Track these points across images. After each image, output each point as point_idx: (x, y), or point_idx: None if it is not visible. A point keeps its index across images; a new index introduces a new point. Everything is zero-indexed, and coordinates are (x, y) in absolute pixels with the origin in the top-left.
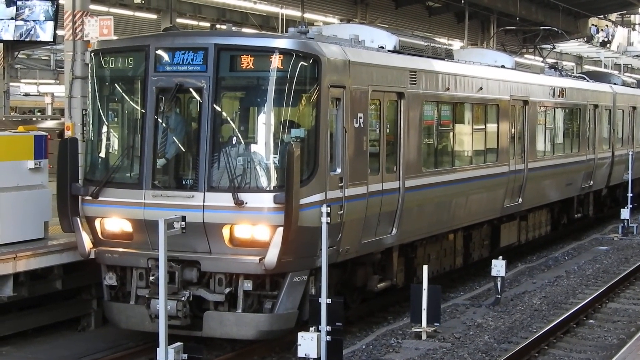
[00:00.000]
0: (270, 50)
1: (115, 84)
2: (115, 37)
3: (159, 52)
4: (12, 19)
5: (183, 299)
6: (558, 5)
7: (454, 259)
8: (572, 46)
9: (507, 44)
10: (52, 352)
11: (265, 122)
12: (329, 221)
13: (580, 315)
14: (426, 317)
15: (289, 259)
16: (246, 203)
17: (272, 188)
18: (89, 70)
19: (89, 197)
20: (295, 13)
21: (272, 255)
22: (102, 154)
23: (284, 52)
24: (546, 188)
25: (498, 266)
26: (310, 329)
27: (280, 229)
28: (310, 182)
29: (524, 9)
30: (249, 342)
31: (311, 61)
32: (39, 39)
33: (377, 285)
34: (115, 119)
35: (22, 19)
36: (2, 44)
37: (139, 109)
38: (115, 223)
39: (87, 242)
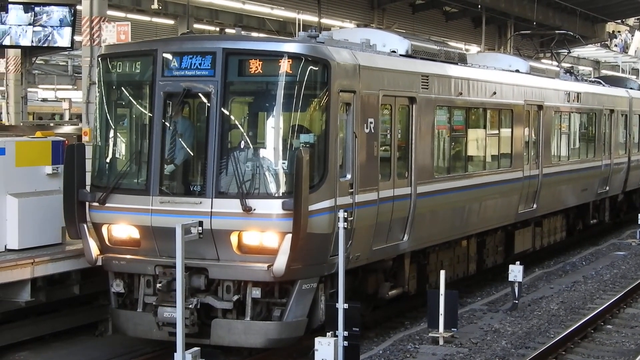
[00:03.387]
0: (279, 55)
1: (123, 89)
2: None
3: (167, 56)
4: (29, 24)
5: (190, 306)
6: (575, 10)
7: (467, 266)
8: (589, 51)
9: (524, 49)
10: (69, 357)
11: (274, 127)
12: (346, 226)
13: (598, 320)
14: (443, 323)
15: (298, 266)
16: (254, 209)
17: (280, 194)
18: (97, 75)
19: (96, 204)
20: (312, 18)
21: (281, 263)
22: (110, 160)
23: (293, 57)
24: (561, 194)
25: (515, 271)
26: (327, 334)
27: (289, 236)
28: (320, 188)
29: (541, 14)
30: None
31: (321, 66)
32: (56, 45)
33: (388, 293)
34: (123, 124)
35: (40, 25)
36: (19, 50)
37: (146, 114)
38: (123, 229)
39: (94, 248)
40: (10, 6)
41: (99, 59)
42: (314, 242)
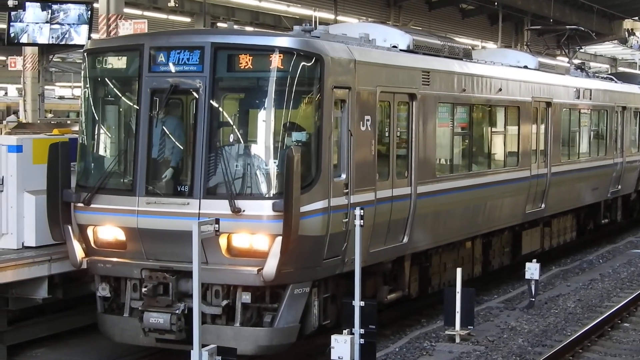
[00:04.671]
0: (270, 49)
1: (109, 85)
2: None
3: (154, 51)
4: (47, 22)
5: (177, 312)
6: (592, 7)
7: (472, 267)
8: (606, 48)
9: (539, 46)
10: (86, 355)
11: (264, 125)
12: (362, 224)
13: (615, 318)
14: (460, 320)
15: (290, 270)
16: (244, 211)
17: (271, 195)
18: (82, 71)
19: (81, 204)
20: (328, 16)
21: (271, 266)
22: (95, 159)
23: (285, 51)
24: (571, 193)
25: (532, 269)
26: (344, 331)
27: (280, 239)
28: (312, 188)
29: (558, 11)
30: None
31: (313, 60)
32: (73, 42)
33: (387, 297)
34: (108, 122)
35: (57, 23)
36: (37, 48)
37: (132, 111)
38: (108, 231)
39: (78, 251)
40: (27, 4)
41: (85, 53)
42: (306, 245)
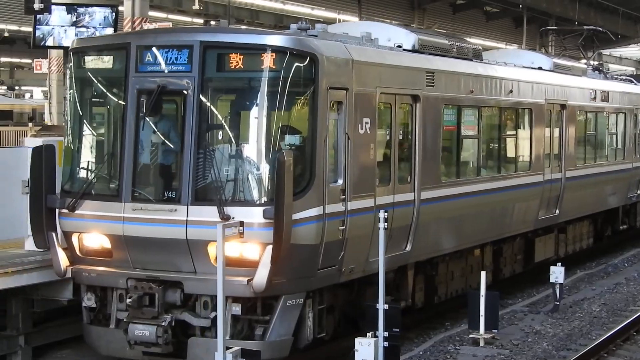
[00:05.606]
0: (262, 48)
1: (95, 86)
2: None
3: (141, 50)
4: (72, 25)
5: (164, 324)
6: (617, 10)
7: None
8: (632, 50)
9: (564, 48)
10: (110, 357)
11: (256, 127)
12: (386, 227)
13: None
14: (484, 324)
15: (282, 280)
16: (233, 218)
17: (262, 201)
18: (68, 71)
19: (65, 210)
20: (353, 18)
21: (261, 277)
22: (81, 163)
23: (277, 50)
24: (587, 198)
25: (557, 273)
26: (368, 334)
27: (271, 248)
28: (306, 194)
29: (583, 13)
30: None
31: (307, 60)
32: None
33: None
34: (94, 124)
35: (82, 26)
36: (62, 50)
37: (118, 113)
38: (94, 239)
39: (63, 259)
40: (53, 7)
41: (70, 53)
42: (299, 254)
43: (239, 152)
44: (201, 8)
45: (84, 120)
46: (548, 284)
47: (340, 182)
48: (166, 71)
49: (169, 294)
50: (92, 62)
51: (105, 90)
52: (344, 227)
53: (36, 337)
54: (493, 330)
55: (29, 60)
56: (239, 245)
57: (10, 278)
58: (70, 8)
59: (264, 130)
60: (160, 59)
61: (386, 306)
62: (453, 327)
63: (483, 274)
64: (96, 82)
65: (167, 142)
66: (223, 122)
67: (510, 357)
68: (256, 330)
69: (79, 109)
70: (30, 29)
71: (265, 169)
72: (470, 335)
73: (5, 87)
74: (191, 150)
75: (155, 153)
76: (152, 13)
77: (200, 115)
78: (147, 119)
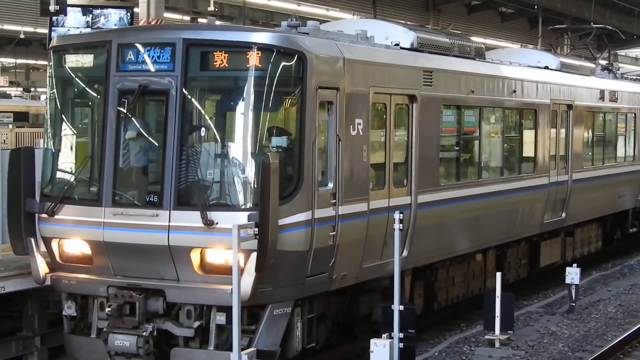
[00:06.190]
0: (247, 46)
1: (75, 86)
2: None
3: (122, 48)
4: (87, 27)
5: (145, 334)
6: (633, 10)
7: (485, 281)
8: None
9: (574, 47)
10: None
11: (241, 129)
12: (401, 227)
13: None
14: (499, 325)
15: (268, 289)
16: (217, 223)
17: (247, 206)
18: (48, 69)
19: (45, 215)
20: None
21: (246, 285)
22: (61, 165)
23: (263, 48)
24: (595, 201)
25: (572, 274)
26: (383, 336)
27: (255, 255)
28: (293, 199)
29: (598, 14)
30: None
31: (295, 58)
32: None
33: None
34: (74, 125)
35: (98, 27)
36: None
37: (99, 113)
38: (74, 245)
39: (42, 266)
40: (68, 9)
41: (50, 51)
42: (286, 261)
43: (223, 154)
44: (216, 9)
45: (64, 122)
46: (563, 285)
47: (330, 185)
48: (148, 70)
49: (150, 302)
50: (72, 60)
51: (85, 90)
52: (334, 232)
53: (52, 338)
54: (508, 332)
55: (45, 62)
56: (224, 252)
57: (27, 279)
58: (86, 10)
59: (250, 132)
60: (142, 58)
61: (401, 307)
62: (468, 328)
63: (499, 275)
64: (76, 81)
65: (148, 144)
66: (207, 123)
67: (525, 358)
68: (242, 341)
69: (59, 109)
70: (45, 31)
71: (250, 172)
72: (486, 337)
73: (21, 89)
74: (173, 153)
75: (136, 156)
76: (167, 15)
77: (183, 116)
78: (129, 120)
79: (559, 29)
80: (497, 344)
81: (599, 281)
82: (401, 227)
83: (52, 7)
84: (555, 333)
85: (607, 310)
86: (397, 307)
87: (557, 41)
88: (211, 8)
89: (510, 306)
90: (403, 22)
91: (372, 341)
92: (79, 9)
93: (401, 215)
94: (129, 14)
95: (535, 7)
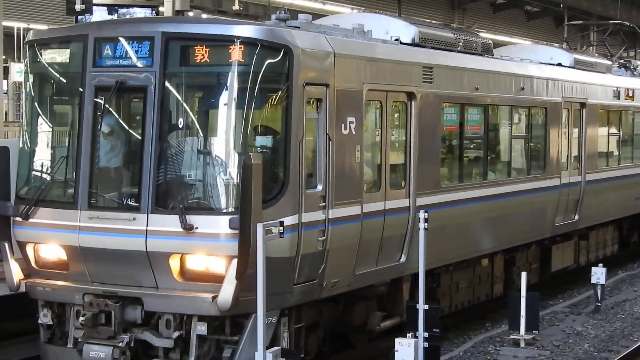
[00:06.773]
0: (230, 40)
1: (51, 82)
2: None
3: (99, 42)
4: None
5: (121, 344)
6: None
7: (492, 287)
8: None
9: (592, 44)
10: None
11: (223, 127)
12: (426, 227)
13: None
14: (525, 325)
15: (251, 297)
16: (197, 228)
17: (229, 210)
18: (24, 66)
19: (19, 218)
20: None
21: (227, 293)
22: (36, 166)
23: (246, 42)
24: (610, 202)
25: (598, 274)
26: (407, 335)
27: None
28: (278, 202)
29: (624, 12)
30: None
31: (280, 53)
32: None
33: (379, 324)
34: (50, 124)
35: None
36: None
37: (75, 111)
38: (49, 250)
39: (16, 272)
40: (94, 8)
41: (27, 46)
42: (271, 268)
43: (204, 155)
44: (241, 8)
45: (40, 120)
46: (589, 285)
47: (319, 187)
48: (126, 65)
49: (128, 311)
50: (48, 55)
51: (61, 87)
52: (324, 237)
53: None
54: (534, 331)
55: None
56: (205, 258)
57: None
58: (112, 9)
59: (232, 131)
60: (120, 52)
61: (426, 306)
62: (493, 327)
63: (524, 274)
64: (52, 77)
65: (126, 144)
66: (187, 121)
67: (551, 358)
68: (224, 352)
69: (35, 107)
70: None
71: (232, 173)
72: (511, 336)
73: None
74: (151, 153)
75: (113, 156)
76: (192, 14)
77: (162, 114)
78: (105, 118)
79: (574, 25)
80: (522, 344)
81: (624, 281)
82: (426, 227)
83: (78, 7)
84: (580, 333)
85: (633, 310)
86: (422, 306)
87: (572, 37)
88: (236, 7)
89: (536, 306)
90: (428, 20)
91: (397, 340)
92: (105, 8)
93: (426, 214)
94: (154, 12)
95: (561, 5)
